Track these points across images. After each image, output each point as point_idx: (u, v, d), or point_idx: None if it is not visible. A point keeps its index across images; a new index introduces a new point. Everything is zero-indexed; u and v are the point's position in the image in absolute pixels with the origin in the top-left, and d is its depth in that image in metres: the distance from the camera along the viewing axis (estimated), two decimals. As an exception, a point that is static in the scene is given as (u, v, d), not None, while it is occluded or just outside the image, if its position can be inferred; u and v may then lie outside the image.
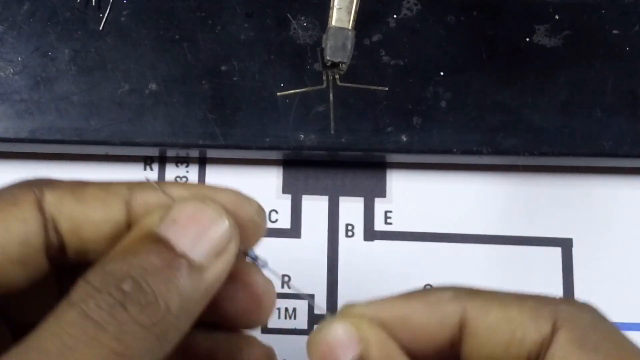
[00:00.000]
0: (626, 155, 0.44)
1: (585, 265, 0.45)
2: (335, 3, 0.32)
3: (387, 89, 0.43)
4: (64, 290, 0.23)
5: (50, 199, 0.26)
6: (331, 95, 0.36)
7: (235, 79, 0.44)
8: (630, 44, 0.45)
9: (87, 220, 0.26)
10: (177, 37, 0.45)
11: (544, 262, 0.45)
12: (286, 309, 0.43)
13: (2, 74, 0.44)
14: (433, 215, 0.45)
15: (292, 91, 0.42)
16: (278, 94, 0.43)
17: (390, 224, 0.45)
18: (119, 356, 0.22)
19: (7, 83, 0.43)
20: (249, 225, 0.26)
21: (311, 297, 0.44)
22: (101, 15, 0.45)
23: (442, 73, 0.45)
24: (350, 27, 0.32)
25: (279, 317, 0.43)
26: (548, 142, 0.44)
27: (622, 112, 0.44)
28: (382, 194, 0.46)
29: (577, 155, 0.44)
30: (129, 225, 0.26)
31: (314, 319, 0.44)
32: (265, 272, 0.28)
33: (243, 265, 0.27)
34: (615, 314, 0.44)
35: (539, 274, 0.45)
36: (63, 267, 0.27)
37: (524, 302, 0.25)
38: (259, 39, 0.45)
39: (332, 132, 0.41)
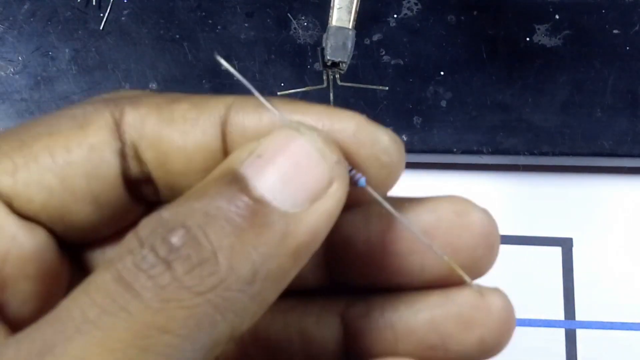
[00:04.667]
0: (626, 155, 0.44)
1: (585, 264, 0.45)
2: (336, 3, 0.32)
3: (387, 88, 0.43)
4: None
5: (132, 120, 0.20)
6: (331, 94, 0.36)
7: (235, 78, 0.44)
8: (630, 43, 0.45)
9: (172, 147, 0.20)
10: (177, 36, 0.45)
11: (544, 262, 0.45)
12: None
13: (2, 73, 0.44)
14: (433, 215, 0.45)
15: (293, 90, 0.42)
16: (278, 93, 0.43)
17: (391, 223, 0.45)
18: (160, 331, 0.16)
19: (8, 82, 0.44)
20: (374, 164, 0.20)
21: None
22: (102, 14, 0.45)
23: (442, 73, 0.45)
24: (350, 27, 0.32)
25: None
26: (548, 141, 0.44)
27: (622, 111, 0.44)
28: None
29: (577, 155, 0.44)
30: (226, 154, 0.20)
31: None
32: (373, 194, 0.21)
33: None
34: (615, 314, 0.44)
35: (539, 273, 0.45)
36: (157, 206, 0.21)
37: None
38: (260, 39, 0.45)
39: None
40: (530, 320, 0.44)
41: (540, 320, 0.44)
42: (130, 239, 0.17)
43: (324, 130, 0.20)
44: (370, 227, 0.21)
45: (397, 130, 0.44)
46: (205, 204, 0.17)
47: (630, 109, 0.44)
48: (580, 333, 0.44)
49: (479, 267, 0.22)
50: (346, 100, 0.43)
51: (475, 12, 0.45)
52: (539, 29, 0.45)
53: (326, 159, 0.19)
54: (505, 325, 0.21)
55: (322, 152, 0.19)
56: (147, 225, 0.17)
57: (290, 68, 0.44)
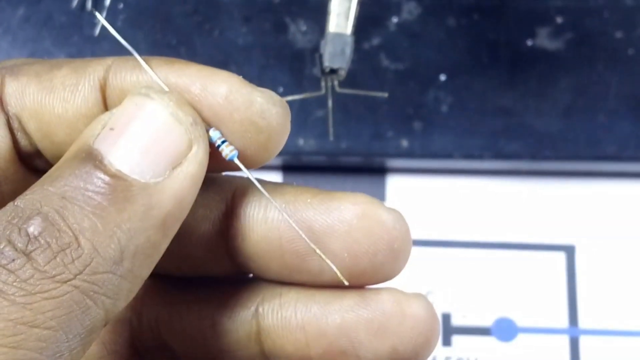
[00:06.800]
0: (629, 159, 0.44)
1: (588, 270, 0.44)
2: (334, 8, 0.32)
3: (386, 95, 0.43)
4: None
5: (12, 91, 0.19)
6: (330, 102, 0.35)
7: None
8: (633, 47, 0.45)
9: (54, 117, 0.19)
10: (174, 42, 0.44)
11: (547, 268, 0.44)
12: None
13: (-3, 80, 0.43)
14: (434, 221, 0.45)
15: (290, 97, 0.41)
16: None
17: (391, 229, 0.45)
18: (29, 326, 0.16)
19: (3, 89, 0.43)
20: (250, 129, 0.19)
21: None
22: (97, 20, 0.44)
23: (443, 77, 0.44)
24: (348, 33, 0.32)
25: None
26: (550, 146, 0.43)
27: (625, 115, 0.44)
28: (382, 199, 0.45)
29: (579, 159, 0.44)
30: None
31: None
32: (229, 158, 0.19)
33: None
34: (618, 321, 0.43)
35: (542, 280, 0.44)
36: None
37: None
38: (258, 44, 0.44)
39: (331, 138, 0.40)
40: (533, 327, 0.43)
41: (544, 328, 0.43)
42: None
43: (175, 92, 0.19)
44: (268, 222, 0.20)
45: (398, 135, 0.43)
46: (60, 187, 0.17)
47: (633, 112, 0.44)
48: (583, 340, 0.43)
49: (382, 273, 0.20)
50: (345, 105, 0.43)
51: (475, 16, 0.45)
52: (540, 32, 0.45)
53: (181, 122, 0.18)
54: (422, 337, 0.20)
55: (176, 115, 0.18)
56: (2, 218, 0.16)
57: (289, 73, 0.44)
